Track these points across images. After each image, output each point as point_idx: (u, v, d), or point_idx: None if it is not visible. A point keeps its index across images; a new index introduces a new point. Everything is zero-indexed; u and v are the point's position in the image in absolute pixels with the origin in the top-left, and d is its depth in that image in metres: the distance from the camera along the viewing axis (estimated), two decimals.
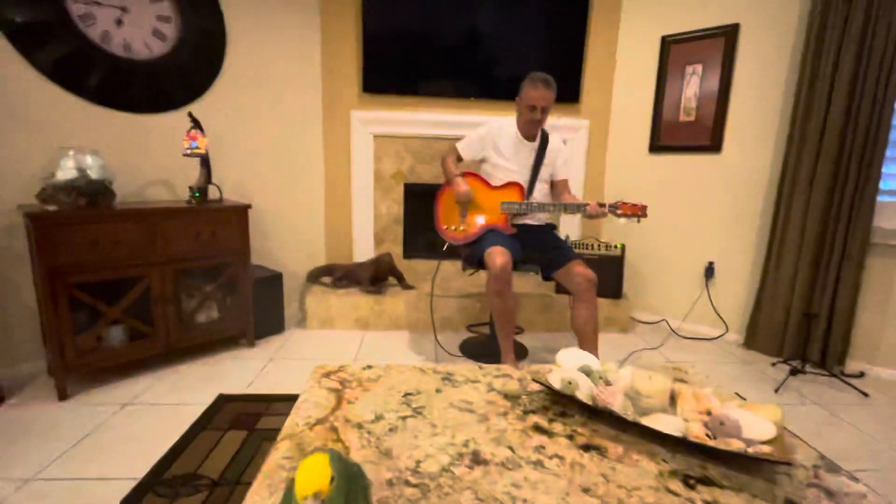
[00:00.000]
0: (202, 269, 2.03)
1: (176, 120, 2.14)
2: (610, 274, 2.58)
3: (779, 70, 2.27)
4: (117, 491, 1.24)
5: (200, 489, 1.24)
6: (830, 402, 1.88)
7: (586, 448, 0.80)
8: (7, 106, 1.74)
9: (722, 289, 2.56)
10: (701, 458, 0.78)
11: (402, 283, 2.71)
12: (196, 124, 1.99)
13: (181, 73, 2.13)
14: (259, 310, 2.26)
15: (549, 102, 1.93)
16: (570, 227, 2.96)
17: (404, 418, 0.88)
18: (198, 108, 2.20)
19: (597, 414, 0.91)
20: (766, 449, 0.75)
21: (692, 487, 0.71)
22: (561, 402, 0.96)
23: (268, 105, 2.51)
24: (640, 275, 2.86)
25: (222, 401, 1.71)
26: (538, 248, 2.02)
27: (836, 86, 2.00)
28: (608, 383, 0.96)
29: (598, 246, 2.64)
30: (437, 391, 1.00)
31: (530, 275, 2.99)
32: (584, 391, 0.91)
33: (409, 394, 0.98)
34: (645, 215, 1.81)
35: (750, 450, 0.75)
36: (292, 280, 2.73)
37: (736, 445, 0.75)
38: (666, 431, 0.78)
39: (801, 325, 2.16)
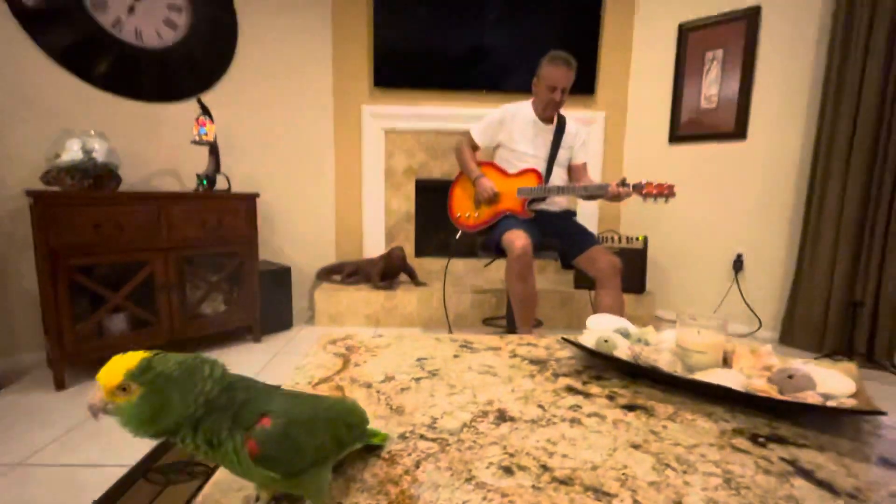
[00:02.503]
0: (208, 257, 1.96)
1: (185, 110, 2.12)
2: (632, 268, 2.45)
3: (806, 49, 2.17)
4: (108, 477, 1.14)
5: (196, 475, 1.14)
6: (883, 396, 1.72)
7: (630, 408, 0.69)
8: (15, 90, 1.73)
9: (753, 282, 2.41)
10: (768, 417, 0.66)
11: (414, 279, 2.62)
12: (205, 111, 1.96)
13: (191, 63, 2.12)
14: (266, 304, 2.18)
15: (570, 83, 1.86)
16: (588, 219, 2.85)
17: (418, 380, 0.78)
18: (208, 99, 2.17)
19: (639, 376, 0.80)
20: (849, 402, 0.63)
21: (763, 446, 0.59)
22: (595, 367, 0.84)
23: (278, 98, 2.48)
24: (662, 270, 2.72)
25: None
26: (557, 234, 1.92)
27: (869, 62, 1.90)
28: (647, 345, 0.85)
29: (619, 239, 2.52)
30: (455, 356, 0.90)
31: (547, 270, 2.89)
32: (623, 351, 0.80)
33: (423, 358, 0.88)
34: (673, 195, 1.71)
35: (830, 404, 0.63)
36: (301, 277, 2.66)
37: (812, 399, 0.63)
38: (725, 385, 0.67)
39: (843, 316, 2.01)
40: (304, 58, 2.55)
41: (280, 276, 2.31)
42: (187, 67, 2.11)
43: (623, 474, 0.52)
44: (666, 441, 0.60)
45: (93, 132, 1.71)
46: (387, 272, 2.52)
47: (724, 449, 0.58)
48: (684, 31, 2.54)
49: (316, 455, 0.43)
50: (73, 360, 1.64)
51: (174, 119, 2.11)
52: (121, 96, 1.95)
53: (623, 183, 1.74)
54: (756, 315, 2.40)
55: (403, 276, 2.66)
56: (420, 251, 2.92)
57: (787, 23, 2.22)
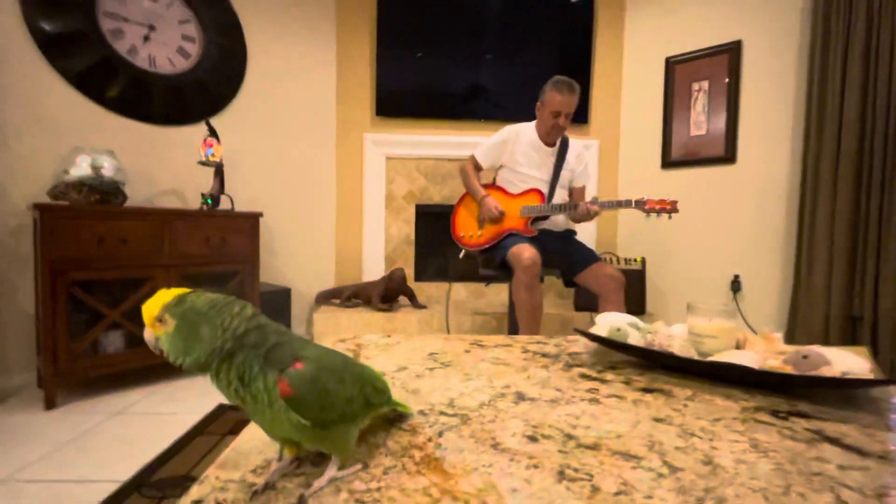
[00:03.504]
0: (209, 275, 1.95)
1: (193, 133, 2.17)
2: (631, 289, 2.46)
3: (787, 77, 2.30)
4: (99, 493, 1.09)
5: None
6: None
7: (648, 391, 0.69)
8: (29, 110, 1.77)
9: (751, 301, 2.43)
10: (787, 396, 0.66)
11: (414, 301, 2.60)
12: (213, 132, 2.01)
13: (201, 89, 2.20)
14: None
15: (574, 108, 1.92)
16: (585, 241, 2.87)
17: (431, 369, 0.77)
18: (216, 123, 2.23)
19: (653, 366, 0.80)
20: (868, 376, 0.63)
21: (785, 419, 0.59)
22: (608, 359, 0.84)
23: (283, 125, 2.56)
24: (661, 292, 2.74)
25: (222, 410, 1.57)
26: (559, 253, 1.94)
27: (848, 83, 2.01)
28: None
29: (617, 260, 2.55)
30: (466, 351, 0.89)
31: (548, 293, 2.89)
32: (636, 339, 0.80)
33: (434, 353, 0.87)
34: (676, 210, 1.74)
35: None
36: (301, 301, 2.64)
37: (831, 374, 0.63)
38: (742, 364, 0.67)
39: (844, 332, 2.02)
40: (309, 87, 2.65)
41: (279, 298, 2.29)
42: (197, 93, 2.18)
43: (649, 441, 0.52)
44: (688, 416, 0.59)
45: (102, 150, 1.74)
46: (387, 294, 2.51)
47: (746, 422, 0.58)
48: (671, 64, 2.68)
49: (345, 408, 0.43)
50: (65, 379, 1.59)
51: (182, 142, 2.16)
52: (132, 118, 2.00)
53: (593, 201, 1.79)
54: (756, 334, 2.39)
55: (403, 300, 2.65)
56: (419, 275, 2.92)
57: (767, 54, 2.35)
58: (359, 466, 0.44)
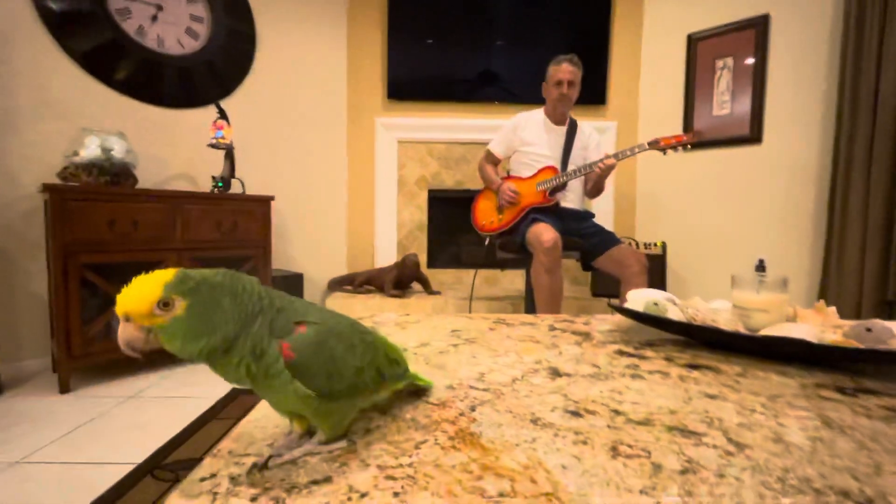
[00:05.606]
0: (222, 260, 1.92)
1: (203, 116, 2.14)
2: (651, 275, 2.38)
3: (818, 52, 2.19)
4: (111, 476, 1.06)
5: None
6: None
7: (693, 367, 0.63)
8: (37, 92, 1.75)
9: None
10: (849, 373, 0.60)
11: (427, 288, 2.56)
12: (223, 114, 1.97)
13: (211, 71, 2.15)
14: None
15: (576, 77, 1.90)
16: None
17: (455, 345, 0.73)
18: (225, 106, 2.19)
19: (694, 340, 0.74)
20: None
21: (854, 396, 0.53)
22: (643, 336, 0.78)
23: (293, 108, 2.51)
24: (682, 278, 2.66)
25: (236, 393, 1.55)
26: (579, 234, 1.88)
27: (885, 56, 1.90)
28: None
29: (637, 245, 2.47)
30: (490, 329, 0.84)
31: (564, 278, 2.82)
32: (676, 314, 0.74)
33: (457, 330, 0.83)
34: (692, 140, 1.73)
35: None
36: (313, 287, 2.61)
37: None
38: (800, 338, 0.61)
39: (877, 317, 1.93)
40: (319, 70, 2.60)
41: (292, 283, 2.26)
42: (207, 75, 2.14)
43: (707, 417, 0.46)
44: (743, 392, 0.54)
45: (112, 131, 1.71)
46: (400, 280, 2.47)
47: (811, 399, 0.52)
48: (693, 41, 2.58)
49: (354, 378, 0.38)
50: (79, 363, 1.58)
51: (192, 125, 2.13)
52: (141, 101, 1.97)
53: (607, 156, 1.79)
54: None
55: (417, 286, 2.61)
56: (432, 262, 2.87)
57: (797, 28, 2.24)
58: (344, 444, 0.39)
